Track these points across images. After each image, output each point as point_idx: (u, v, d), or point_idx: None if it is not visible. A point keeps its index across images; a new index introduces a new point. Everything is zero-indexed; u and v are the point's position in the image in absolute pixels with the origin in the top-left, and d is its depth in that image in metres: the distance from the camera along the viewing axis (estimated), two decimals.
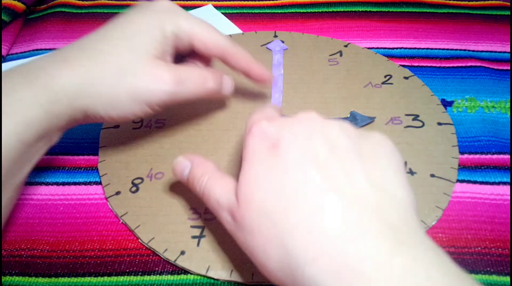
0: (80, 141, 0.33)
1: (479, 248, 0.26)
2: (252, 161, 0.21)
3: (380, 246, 0.16)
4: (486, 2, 0.44)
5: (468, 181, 0.30)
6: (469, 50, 0.39)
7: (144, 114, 0.26)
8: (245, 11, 0.44)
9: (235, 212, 0.21)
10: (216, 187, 0.23)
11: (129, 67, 0.25)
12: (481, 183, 0.29)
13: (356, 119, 0.33)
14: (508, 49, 0.39)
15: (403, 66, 0.38)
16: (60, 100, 0.23)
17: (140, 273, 0.26)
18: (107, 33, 0.26)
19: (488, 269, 0.25)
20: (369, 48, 0.39)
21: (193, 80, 0.27)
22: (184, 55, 0.30)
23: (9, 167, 0.22)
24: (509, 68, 0.37)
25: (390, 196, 0.19)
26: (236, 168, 0.30)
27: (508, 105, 0.34)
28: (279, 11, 0.44)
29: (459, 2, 0.44)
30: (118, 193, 0.29)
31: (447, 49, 0.39)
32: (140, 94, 0.25)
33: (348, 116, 0.33)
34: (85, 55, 0.25)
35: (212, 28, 0.28)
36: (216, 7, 0.44)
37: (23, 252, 0.26)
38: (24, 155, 0.23)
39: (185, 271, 0.26)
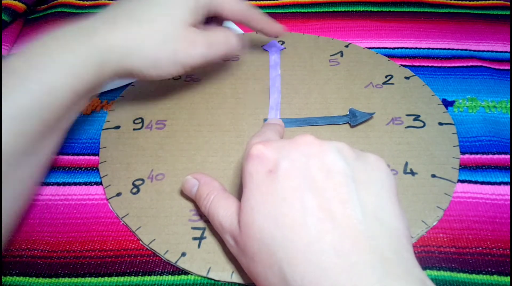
0: (81, 141, 0.33)
1: (480, 248, 0.26)
2: (251, 187, 0.21)
3: (369, 277, 0.17)
4: (487, 2, 0.44)
5: (469, 181, 0.29)
6: (470, 50, 0.39)
7: (177, 73, 0.30)
8: None
9: (237, 238, 0.22)
10: (220, 209, 0.24)
11: (169, 34, 0.28)
12: (482, 183, 0.29)
13: (356, 116, 0.33)
14: (509, 49, 0.39)
15: (404, 66, 0.37)
16: (110, 59, 0.26)
17: (140, 274, 0.26)
18: (149, 1, 0.29)
19: (489, 269, 0.25)
20: (369, 48, 0.39)
21: (220, 41, 0.31)
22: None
23: (61, 113, 0.25)
24: (510, 68, 0.37)
25: (383, 226, 0.19)
26: (237, 170, 0.30)
27: (509, 105, 0.34)
28: (279, 11, 0.44)
29: (460, 2, 0.44)
30: (119, 194, 0.29)
31: (448, 49, 0.39)
32: (178, 57, 0.29)
33: (347, 113, 0.33)
34: (133, 20, 0.27)
35: None
36: None
37: (23, 252, 0.26)
38: (74, 105, 0.26)
39: (186, 272, 0.26)
